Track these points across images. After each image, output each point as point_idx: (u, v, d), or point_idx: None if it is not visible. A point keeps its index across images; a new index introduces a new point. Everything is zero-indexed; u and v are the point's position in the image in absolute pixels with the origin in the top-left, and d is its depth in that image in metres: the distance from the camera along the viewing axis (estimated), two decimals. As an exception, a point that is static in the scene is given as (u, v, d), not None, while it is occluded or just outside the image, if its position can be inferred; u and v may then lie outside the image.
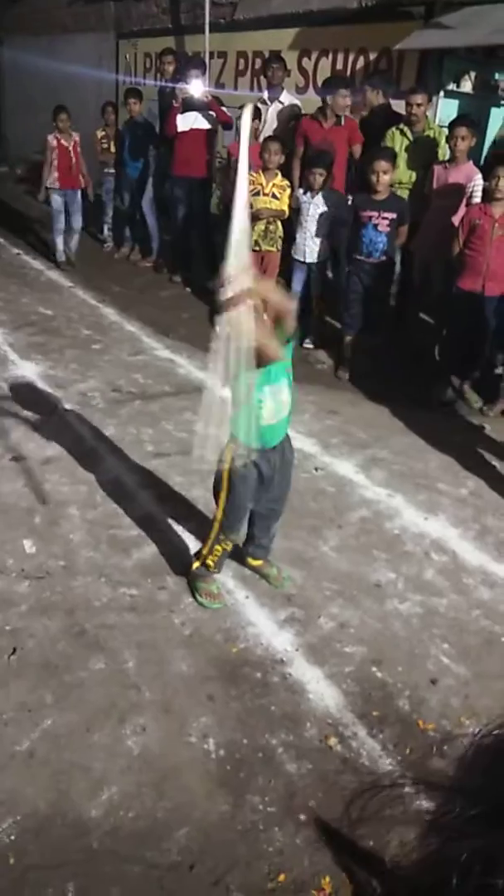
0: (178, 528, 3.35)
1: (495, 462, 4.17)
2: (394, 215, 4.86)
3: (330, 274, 5.91)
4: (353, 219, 5.01)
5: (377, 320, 5.14)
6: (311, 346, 5.62)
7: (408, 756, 2.33)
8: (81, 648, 2.64)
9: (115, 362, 5.12)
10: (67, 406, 4.44)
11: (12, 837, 1.97)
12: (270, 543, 3.00)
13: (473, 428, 4.64)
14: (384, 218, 4.85)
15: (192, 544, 3.23)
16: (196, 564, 2.89)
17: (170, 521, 3.41)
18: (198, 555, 2.90)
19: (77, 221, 7.39)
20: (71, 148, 7.21)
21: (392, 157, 4.97)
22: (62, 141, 7.21)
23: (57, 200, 7.20)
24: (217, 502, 2.73)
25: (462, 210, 4.97)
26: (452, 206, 5.07)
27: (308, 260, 5.50)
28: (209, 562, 2.83)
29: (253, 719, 2.41)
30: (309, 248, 5.46)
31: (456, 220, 4.92)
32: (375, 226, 4.86)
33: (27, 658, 2.58)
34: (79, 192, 7.34)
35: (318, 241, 5.44)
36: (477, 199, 4.95)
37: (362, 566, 3.22)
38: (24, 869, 1.89)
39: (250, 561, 3.04)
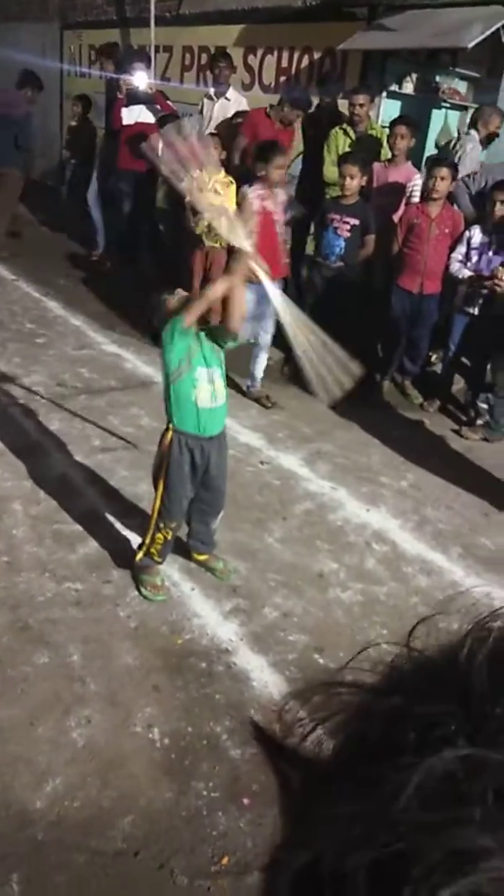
0: (124, 523, 3.35)
1: (434, 456, 4.31)
2: (356, 221, 4.82)
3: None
4: (319, 220, 5.03)
5: (335, 326, 5.06)
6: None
7: (348, 739, 2.40)
8: (25, 643, 2.63)
9: (60, 356, 5.08)
10: (10, 400, 4.38)
11: (-45, 831, 1.97)
12: (212, 538, 3.04)
13: (413, 423, 4.77)
14: (345, 222, 4.85)
15: (138, 539, 3.25)
16: (140, 556, 2.90)
17: (115, 515, 3.41)
18: (141, 546, 2.92)
19: (270, 328, 4.58)
20: (278, 211, 4.53)
21: (361, 161, 4.87)
22: (267, 204, 4.40)
23: (250, 297, 4.12)
24: (155, 489, 2.78)
25: (402, 209, 5.09)
26: (392, 205, 5.20)
27: (253, 256, 5.54)
28: (153, 550, 2.85)
29: (198, 708, 2.45)
30: (254, 244, 5.50)
31: (395, 218, 5.04)
32: (335, 229, 4.88)
33: (-30, 654, 2.56)
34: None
35: (263, 237, 5.49)
36: (416, 198, 5.09)
37: (306, 557, 3.29)
38: (-33, 862, 1.89)
39: (195, 556, 3.08)
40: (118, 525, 3.34)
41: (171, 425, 2.72)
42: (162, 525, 2.80)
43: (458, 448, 4.47)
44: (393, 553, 3.39)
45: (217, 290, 2.57)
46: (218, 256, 5.66)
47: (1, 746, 2.22)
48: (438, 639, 0.34)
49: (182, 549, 3.11)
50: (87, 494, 3.57)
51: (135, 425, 4.27)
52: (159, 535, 2.80)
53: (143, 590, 2.91)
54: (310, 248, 5.88)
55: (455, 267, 4.64)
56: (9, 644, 2.62)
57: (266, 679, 2.60)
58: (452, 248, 4.67)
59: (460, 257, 4.63)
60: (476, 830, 0.27)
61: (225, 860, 1.98)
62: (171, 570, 3.06)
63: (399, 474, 4.08)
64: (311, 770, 0.35)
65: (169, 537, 2.84)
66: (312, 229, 5.64)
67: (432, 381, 5.14)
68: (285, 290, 5.36)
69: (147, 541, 2.85)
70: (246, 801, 2.16)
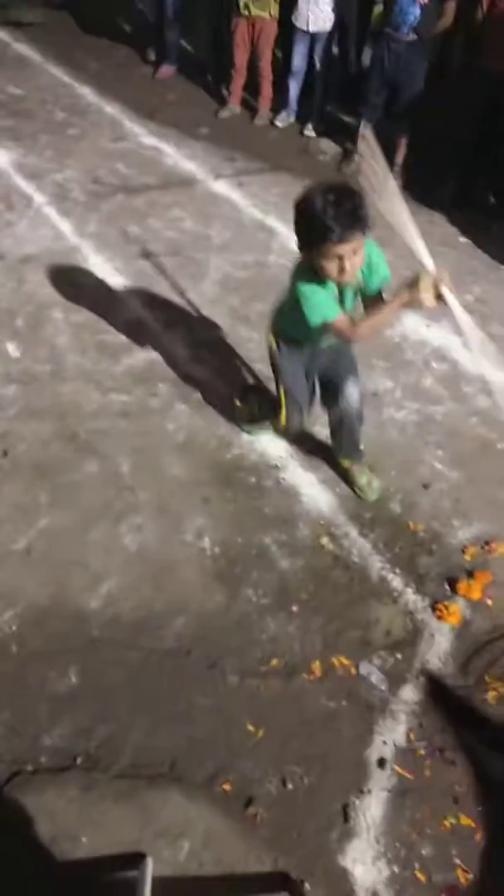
0: (169, 335, 3.19)
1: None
2: None
3: (336, 49, 5.20)
4: None
5: (401, 112, 4.47)
6: (312, 133, 5.07)
7: (397, 553, 2.39)
8: (74, 452, 2.60)
9: (95, 150, 4.63)
10: (44, 198, 4.07)
11: (13, 628, 2.05)
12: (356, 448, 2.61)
13: (484, 229, 4.32)
14: None
15: (184, 351, 3.10)
16: (241, 406, 2.72)
17: (160, 326, 3.24)
18: (244, 398, 2.72)
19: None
20: None
21: None
22: None
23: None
24: (279, 402, 2.43)
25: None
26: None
27: (312, 29, 4.79)
28: (254, 411, 2.66)
29: (247, 520, 2.43)
30: (313, 13, 4.73)
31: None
32: None
33: (19, 460, 2.54)
34: None
35: (325, 4, 4.70)
36: None
37: (361, 375, 3.11)
38: (26, 656, 1.98)
39: (340, 461, 2.66)
40: (164, 337, 3.18)
41: (277, 332, 2.30)
42: (283, 418, 2.46)
43: (530, 259, 4.07)
44: (453, 372, 3.19)
45: (391, 311, 1.94)
46: (266, 26, 4.91)
47: (55, 550, 2.26)
48: None
49: (234, 361, 2.96)
50: (130, 303, 3.38)
51: (177, 229, 3.96)
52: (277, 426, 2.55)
53: (244, 427, 2.75)
54: (374, 21, 5.07)
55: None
56: (58, 452, 2.59)
57: (315, 495, 2.55)
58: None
59: None
60: None
61: (274, 662, 2.04)
62: (217, 384, 2.94)
63: (465, 287, 3.75)
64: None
65: (275, 429, 2.60)
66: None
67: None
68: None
69: (259, 411, 2.63)
70: (295, 608, 2.19)
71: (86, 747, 1.82)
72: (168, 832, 1.70)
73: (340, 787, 1.82)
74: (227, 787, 1.79)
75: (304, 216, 1.83)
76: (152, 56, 6.08)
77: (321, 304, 1.97)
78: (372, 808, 1.79)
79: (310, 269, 1.96)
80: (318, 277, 1.96)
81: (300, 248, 1.93)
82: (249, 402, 2.72)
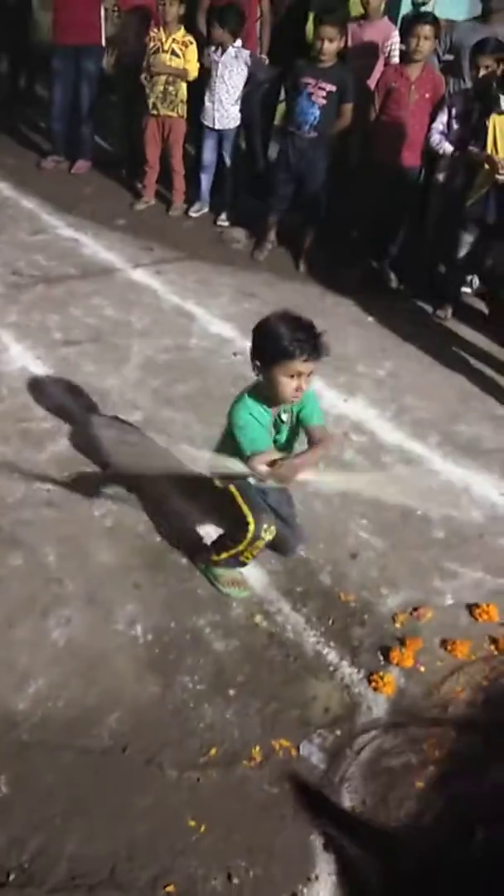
0: (93, 420, 3.21)
1: (412, 342, 4.18)
2: (333, 87, 4.38)
3: (243, 144, 5.54)
4: (291, 85, 4.58)
5: (307, 203, 4.78)
6: (225, 223, 5.32)
7: (330, 626, 2.42)
8: (-3, 546, 2.55)
9: (13, 243, 4.71)
10: (-37, 292, 4.09)
11: None
12: None
13: (390, 308, 4.58)
14: (321, 88, 4.40)
15: (109, 434, 3.12)
16: (225, 555, 2.41)
17: (84, 412, 3.26)
18: (220, 547, 2.44)
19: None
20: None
21: (341, 21, 4.43)
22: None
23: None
24: (240, 511, 2.32)
25: (378, 72, 4.67)
26: (368, 68, 4.76)
27: (218, 127, 5.11)
28: (246, 556, 2.38)
29: (180, 603, 2.42)
30: (219, 112, 5.05)
31: (372, 83, 4.63)
32: (310, 94, 4.43)
33: None
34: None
35: (229, 105, 5.03)
36: (395, 59, 4.66)
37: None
38: (-48, 765, 1.88)
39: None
40: (88, 422, 3.20)
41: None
42: (264, 532, 2.31)
43: (436, 333, 4.34)
44: (371, 443, 3.32)
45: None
46: (175, 124, 5.19)
47: (-21, 651, 2.18)
48: None
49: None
50: (52, 391, 3.39)
51: (98, 316, 4.04)
52: (259, 543, 2.32)
53: (222, 587, 2.49)
54: (279, 119, 5.45)
55: (436, 139, 4.30)
56: (-20, 547, 2.53)
57: (247, 572, 2.57)
58: (433, 116, 4.31)
59: (441, 127, 4.28)
60: None
61: (213, 751, 2.00)
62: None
63: (376, 362, 3.95)
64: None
65: (268, 539, 2.35)
66: (283, 96, 5.19)
67: (442, 284, 4.77)
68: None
69: (242, 548, 2.33)
70: (232, 692, 2.17)
71: (19, 861, 1.72)
72: None
73: (287, 875, 1.78)
74: (170, 889, 1.72)
75: (270, 335, 2.04)
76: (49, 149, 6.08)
77: (256, 439, 2.13)
78: (321, 895, 1.75)
79: (252, 400, 2.16)
80: (260, 405, 2.15)
81: (258, 366, 2.11)
82: (223, 548, 2.44)
